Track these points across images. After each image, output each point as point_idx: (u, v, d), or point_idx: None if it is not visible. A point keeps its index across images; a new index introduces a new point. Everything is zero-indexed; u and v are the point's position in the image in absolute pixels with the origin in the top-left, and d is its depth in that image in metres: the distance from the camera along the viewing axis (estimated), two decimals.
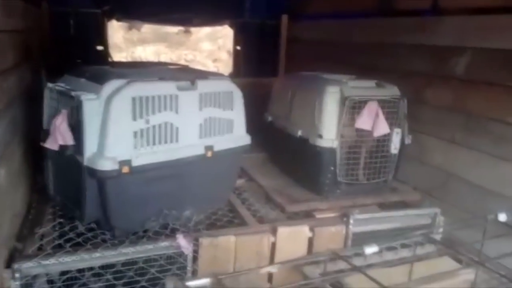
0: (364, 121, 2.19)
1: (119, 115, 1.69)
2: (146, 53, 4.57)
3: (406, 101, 2.25)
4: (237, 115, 2.12)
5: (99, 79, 1.74)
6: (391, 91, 2.29)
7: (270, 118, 2.80)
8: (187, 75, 2.00)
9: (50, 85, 1.88)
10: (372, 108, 2.18)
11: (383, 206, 2.37)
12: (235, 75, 4.07)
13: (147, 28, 4.49)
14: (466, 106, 2.16)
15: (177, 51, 4.65)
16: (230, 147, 2.09)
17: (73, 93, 1.71)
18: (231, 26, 4.03)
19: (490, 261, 2.08)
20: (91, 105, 1.66)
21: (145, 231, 1.89)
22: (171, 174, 1.90)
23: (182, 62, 4.61)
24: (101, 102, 1.67)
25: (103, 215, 1.82)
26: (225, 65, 4.61)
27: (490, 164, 2.03)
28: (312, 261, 1.98)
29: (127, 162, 1.71)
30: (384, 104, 2.23)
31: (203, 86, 1.94)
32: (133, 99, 1.71)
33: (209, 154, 1.99)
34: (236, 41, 4.07)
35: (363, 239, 2.20)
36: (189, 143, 1.92)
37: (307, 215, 2.23)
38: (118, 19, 3.73)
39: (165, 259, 1.75)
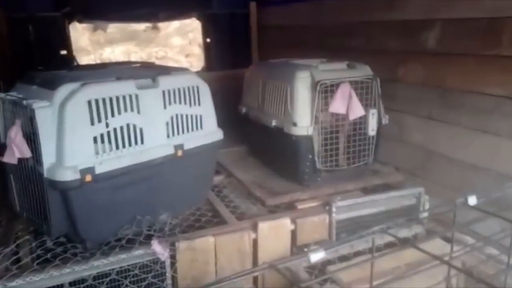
0: (338, 105, 2.12)
1: (75, 121, 1.58)
2: (115, 54, 4.45)
3: (379, 81, 2.17)
4: (206, 110, 2.03)
5: (51, 85, 1.63)
6: (363, 71, 2.22)
7: (244, 110, 2.72)
8: (148, 72, 1.90)
9: (1, 95, 1.77)
10: (344, 90, 2.10)
11: (366, 190, 2.31)
12: (207, 69, 3.97)
13: (113, 28, 4.36)
14: (440, 81, 2.10)
15: (147, 49, 4.54)
16: (201, 144, 2.00)
17: (24, 102, 1.60)
18: (198, 18, 3.90)
19: (480, 240, 2.04)
20: (44, 113, 1.55)
21: (119, 240, 1.79)
22: (141, 178, 1.80)
23: (153, 60, 4.50)
24: (54, 109, 1.56)
25: (72, 227, 1.72)
26: (199, 59, 4.49)
27: (469, 138, 1.97)
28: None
29: (89, 170, 1.61)
30: (357, 85, 2.16)
31: (165, 82, 1.85)
32: (89, 102, 1.61)
33: (180, 153, 1.90)
34: (206, 34, 3.95)
35: (349, 225, 2.15)
36: (156, 144, 1.82)
37: (288, 207, 2.15)
38: (80, 21, 3.58)
39: (140, 268, 1.66)
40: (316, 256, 0.82)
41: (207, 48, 3.99)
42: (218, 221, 2.01)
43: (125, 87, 1.72)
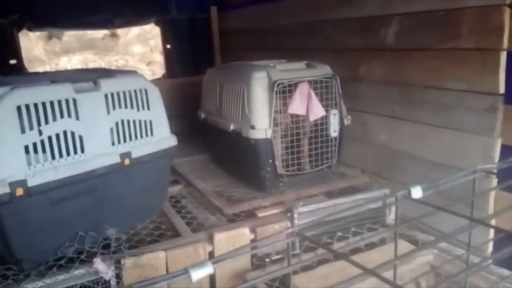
0: (297, 106, 2.02)
1: (2, 128, 1.42)
2: (72, 63, 4.24)
3: (338, 80, 2.09)
4: (156, 115, 1.89)
5: None
6: (323, 70, 2.13)
7: (203, 116, 2.59)
8: (89, 75, 1.76)
9: None
10: (303, 90, 2.01)
11: (331, 195, 2.21)
12: (169, 76, 3.83)
13: (70, 36, 4.16)
14: (401, 78, 2.03)
15: (107, 58, 4.35)
16: (152, 151, 1.85)
17: None
18: (157, 24, 3.76)
19: (446, 239, 1.97)
20: None
21: (59, 259, 1.62)
22: (83, 190, 1.64)
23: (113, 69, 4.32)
24: None
25: (5, 247, 1.55)
26: (161, 66, 4.34)
27: (433, 135, 1.90)
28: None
29: (21, 183, 1.45)
30: (316, 85, 2.07)
31: (108, 85, 1.70)
32: (19, 108, 1.45)
33: (127, 162, 1.75)
34: (166, 40, 3.82)
35: (314, 232, 2.04)
36: (99, 153, 1.67)
37: (249, 215, 2.03)
38: (30, 29, 3.38)
39: None
40: (199, 274, 0.66)
41: (167, 54, 3.86)
42: (172, 234, 1.86)
43: (61, 91, 1.57)
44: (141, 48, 4.44)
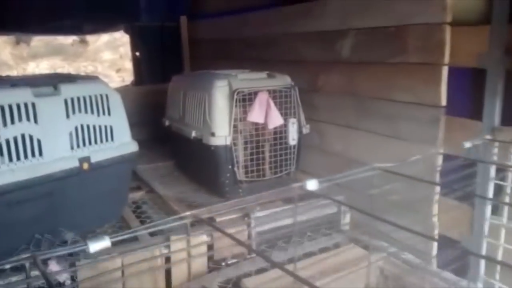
0: (256, 114, 2.09)
1: None
2: (40, 68, 4.23)
3: (297, 90, 2.17)
4: (117, 120, 1.92)
5: None
6: (282, 80, 2.21)
7: (167, 123, 2.63)
8: (49, 80, 1.78)
9: None
10: (262, 99, 2.08)
11: (289, 201, 2.28)
12: (137, 83, 3.86)
13: (38, 41, 4.16)
14: (355, 89, 2.13)
15: (75, 64, 4.36)
16: (112, 156, 1.88)
17: None
18: (126, 31, 3.80)
19: (397, 244, 2.07)
20: None
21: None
22: (40, 193, 1.66)
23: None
24: None
25: None
26: (130, 74, 4.37)
27: (383, 144, 2.00)
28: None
29: None
30: (275, 94, 2.15)
31: (68, 90, 1.73)
32: None
33: (85, 166, 1.78)
34: (135, 47, 3.85)
35: (270, 237, 2.10)
36: (58, 157, 1.69)
37: (208, 221, 2.07)
38: None
39: None
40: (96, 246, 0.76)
41: (136, 62, 3.89)
42: (129, 238, 1.89)
43: (20, 95, 1.59)
44: (110, 55, 4.47)
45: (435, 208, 1.80)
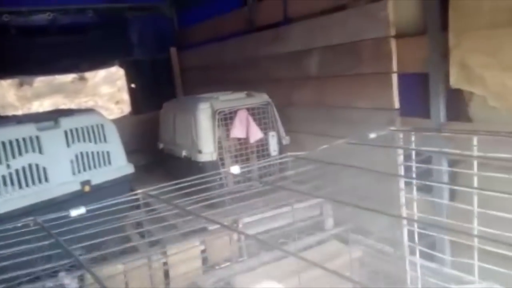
0: (237, 130, 2.32)
1: None
2: (44, 107, 4.50)
3: (274, 106, 2.41)
4: (113, 146, 2.16)
5: None
6: (260, 98, 2.44)
7: (161, 146, 2.87)
8: (50, 115, 2.03)
9: None
10: (242, 116, 2.31)
11: (275, 206, 2.48)
12: (134, 113, 4.11)
13: (40, 82, 4.44)
14: (324, 100, 2.36)
15: (76, 100, 4.62)
16: (110, 178, 2.12)
17: None
18: (121, 66, 4.08)
19: (372, 237, 2.26)
20: None
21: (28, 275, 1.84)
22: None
23: None
24: None
25: None
26: (128, 105, 4.63)
27: (352, 149, 2.21)
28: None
29: None
30: (254, 111, 2.38)
31: (67, 123, 1.98)
32: None
33: (87, 189, 2.01)
34: (130, 80, 4.13)
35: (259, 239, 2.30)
36: (62, 181, 1.93)
37: (201, 230, 2.28)
38: (1, 77, 3.65)
39: None
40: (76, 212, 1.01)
41: (132, 93, 4.15)
42: (130, 249, 2.10)
43: (26, 130, 1.84)
44: (108, 88, 4.73)
45: None
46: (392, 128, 1.47)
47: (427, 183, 1.43)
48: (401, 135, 1.45)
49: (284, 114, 2.51)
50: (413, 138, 1.38)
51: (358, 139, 1.43)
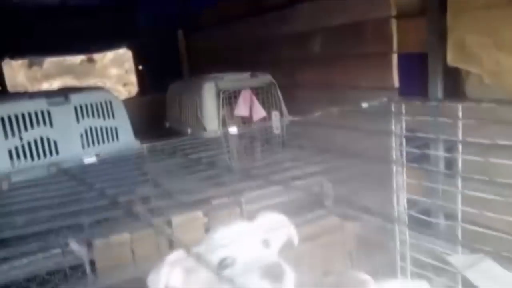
0: (241, 109, 2.38)
1: None
2: (53, 88, 4.59)
3: (277, 86, 2.46)
4: (121, 122, 2.24)
5: None
6: (264, 79, 2.50)
7: (168, 124, 2.95)
8: (61, 92, 2.11)
9: None
10: (246, 96, 2.37)
11: (279, 183, 2.55)
12: (142, 94, 4.19)
13: (50, 63, 4.53)
14: (326, 80, 2.41)
15: (85, 81, 4.71)
16: (118, 153, 2.19)
17: None
18: (129, 48, 4.14)
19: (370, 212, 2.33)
20: None
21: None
22: None
23: None
24: None
25: None
26: (136, 87, 4.70)
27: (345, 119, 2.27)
28: None
29: (6, 176, 1.78)
30: (258, 91, 2.44)
31: (77, 99, 2.05)
32: (2, 119, 1.79)
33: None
34: (138, 61, 4.19)
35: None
36: (71, 154, 2.01)
37: (204, 203, 2.36)
38: (12, 57, 3.73)
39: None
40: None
41: (140, 75, 4.22)
42: (133, 219, 2.19)
43: (37, 104, 1.92)
44: (117, 71, 4.82)
45: None
46: (385, 99, 1.53)
47: (415, 150, 1.49)
48: (393, 106, 1.51)
49: (287, 94, 2.56)
50: (403, 108, 1.44)
51: (351, 111, 1.49)
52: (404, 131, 1.48)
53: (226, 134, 1.28)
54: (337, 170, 2.04)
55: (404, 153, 1.56)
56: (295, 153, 2.37)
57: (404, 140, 1.53)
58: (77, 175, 1.25)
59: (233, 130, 1.34)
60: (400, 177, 1.71)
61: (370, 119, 1.43)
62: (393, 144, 1.53)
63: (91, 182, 1.23)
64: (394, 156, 1.59)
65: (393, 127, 1.49)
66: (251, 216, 2.29)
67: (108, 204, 1.19)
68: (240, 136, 1.73)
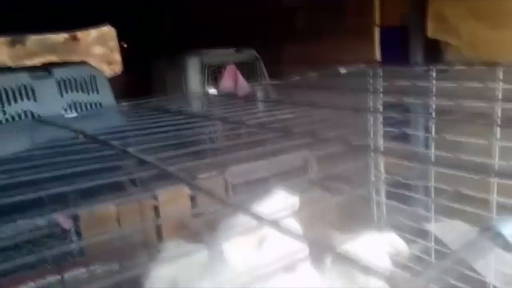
0: (226, 84, 2.39)
1: None
2: None
3: (262, 62, 2.48)
4: (105, 98, 2.23)
5: None
6: (249, 54, 2.51)
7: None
8: (46, 66, 2.10)
9: None
10: (230, 71, 2.38)
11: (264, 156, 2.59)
12: (127, 72, 4.16)
13: (32, 41, 4.46)
14: (311, 55, 2.43)
15: (69, 60, 4.65)
16: None
17: None
18: (113, 25, 4.09)
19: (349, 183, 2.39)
20: None
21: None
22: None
23: None
24: None
25: None
26: (121, 66, 4.66)
27: (339, 99, 2.30)
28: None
29: None
30: (242, 66, 2.44)
31: (60, 73, 2.04)
32: None
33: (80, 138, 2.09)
34: (122, 39, 4.15)
35: (248, 188, 2.42)
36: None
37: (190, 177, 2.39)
38: None
39: None
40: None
41: (124, 52, 4.19)
42: (119, 193, 2.21)
43: (19, 78, 1.91)
44: (101, 49, 4.76)
45: None
46: (362, 65, 1.56)
47: (393, 115, 1.52)
48: (371, 71, 1.54)
49: (271, 69, 2.58)
50: (381, 73, 1.48)
51: (330, 75, 1.51)
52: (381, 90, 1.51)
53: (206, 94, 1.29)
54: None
55: (381, 106, 1.59)
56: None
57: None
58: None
59: (212, 90, 1.36)
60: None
61: (348, 82, 1.47)
62: (369, 100, 1.56)
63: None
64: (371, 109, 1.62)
65: (370, 86, 1.53)
66: (235, 189, 2.34)
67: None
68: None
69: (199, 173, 0.89)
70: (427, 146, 1.43)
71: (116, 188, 0.90)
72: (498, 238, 0.38)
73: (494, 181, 1.13)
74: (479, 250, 0.42)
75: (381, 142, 1.59)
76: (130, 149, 0.91)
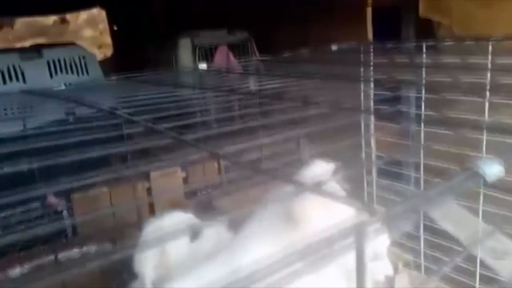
0: (218, 64, 2.38)
1: None
2: None
3: (254, 43, 2.47)
4: (95, 79, 2.21)
5: None
6: (241, 35, 2.50)
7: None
8: (34, 47, 2.07)
9: None
10: (222, 51, 2.37)
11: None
12: (118, 55, 4.11)
13: (21, 24, 4.38)
14: (304, 37, 2.42)
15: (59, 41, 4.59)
16: None
17: None
18: (102, 7, 4.03)
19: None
20: None
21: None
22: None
23: None
24: None
25: None
26: (111, 49, 4.61)
27: (331, 84, 2.30)
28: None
29: None
30: (234, 47, 2.44)
31: (50, 54, 2.02)
32: None
33: (70, 119, 2.08)
34: (113, 21, 4.09)
35: (239, 168, 2.43)
36: None
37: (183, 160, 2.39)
38: None
39: None
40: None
41: (115, 35, 4.13)
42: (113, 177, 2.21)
43: (9, 59, 1.88)
44: (91, 32, 4.69)
45: None
46: (353, 43, 1.56)
47: (385, 93, 1.53)
48: (361, 48, 1.54)
49: (264, 51, 2.57)
50: (372, 50, 1.48)
51: (321, 52, 1.51)
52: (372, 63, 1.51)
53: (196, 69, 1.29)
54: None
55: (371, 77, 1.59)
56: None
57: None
58: None
59: (202, 65, 1.36)
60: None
61: (339, 57, 1.47)
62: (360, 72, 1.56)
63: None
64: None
65: (361, 60, 1.53)
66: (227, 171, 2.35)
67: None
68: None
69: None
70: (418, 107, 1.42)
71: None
72: (478, 177, 0.39)
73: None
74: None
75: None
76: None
